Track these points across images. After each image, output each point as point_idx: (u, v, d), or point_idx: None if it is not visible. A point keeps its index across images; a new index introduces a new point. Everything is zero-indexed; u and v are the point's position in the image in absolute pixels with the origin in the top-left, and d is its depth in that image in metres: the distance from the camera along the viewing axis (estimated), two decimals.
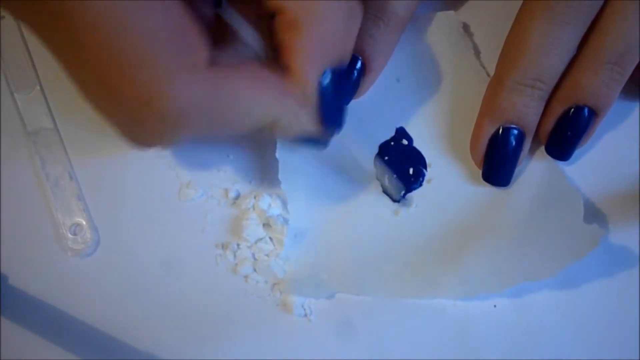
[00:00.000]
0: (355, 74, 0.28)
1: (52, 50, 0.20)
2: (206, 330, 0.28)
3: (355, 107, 0.29)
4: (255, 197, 0.29)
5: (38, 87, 0.31)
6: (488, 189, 0.29)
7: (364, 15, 0.28)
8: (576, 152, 0.28)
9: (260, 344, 0.28)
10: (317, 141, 0.26)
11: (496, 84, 0.28)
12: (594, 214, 0.29)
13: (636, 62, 0.27)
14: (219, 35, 0.24)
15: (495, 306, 0.28)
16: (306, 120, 0.24)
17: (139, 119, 0.20)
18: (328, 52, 0.23)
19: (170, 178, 0.30)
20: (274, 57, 0.23)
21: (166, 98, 0.20)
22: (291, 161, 0.28)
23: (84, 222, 0.29)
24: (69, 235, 0.29)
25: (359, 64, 0.28)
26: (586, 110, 0.27)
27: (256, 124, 0.23)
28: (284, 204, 0.29)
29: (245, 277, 0.28)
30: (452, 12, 0.31)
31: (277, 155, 0.28)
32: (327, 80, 0.24)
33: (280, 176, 0.28)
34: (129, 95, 0.20)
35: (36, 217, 0.29)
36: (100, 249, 0.29)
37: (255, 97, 0.22)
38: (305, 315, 0.28)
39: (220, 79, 0.21)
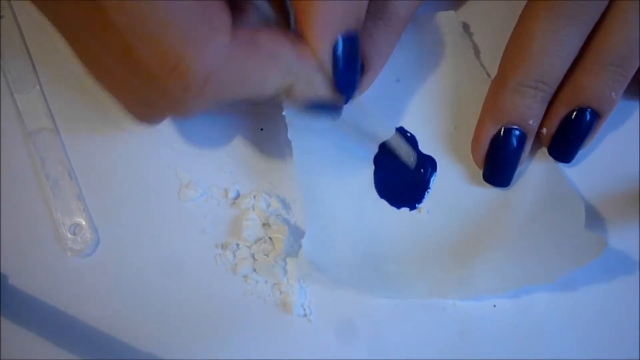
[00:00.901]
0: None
1: (68, 30, 0.21)
2: (206, 331, 0.28)
3: (355, 107, 0.29)
4: (254, 197, 0.29)
5: (38, 87, 0.31)
6: (490, 191, 0.29)
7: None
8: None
9: (260, 344, 0.28)
10: (331, 109, 0.26)
11: (498, 85, 0.28)
12: (593, 215, 0.29)
13: (638, 64, 0.27)
14: (235, 4, 0.24)
15: (494, 306, 0.28)
16: (320, 85, 0.24)
17: (165, 85, 0.21)
18: (341, 18, 0.23)
19: (170, 178, 0.30)
20: (286, 25, 0.24)
21: (193, 62, 0.20)
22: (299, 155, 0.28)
23: (84, 222, 0.29)
24: (69, 235, 0.29)
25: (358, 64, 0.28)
26: (589, 112, 0.27)
27: (275, 89, 0.23)
28: (284, 203, 0.29)
29: (245, 277, 0.28)
30: (452, 12, 0.31)
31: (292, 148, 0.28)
32: (340, 46, 0.24)
33: (295, 168, 0.28)
34: (155, 63, 0.20)
35: (36, 217, 0.29)
36: (100, 248, 0.29)
37: (275, 61, 0.22)
38: (305, 315, 0.28)
39: (243, 44, 0.22)
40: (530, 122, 0.27)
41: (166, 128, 0.30)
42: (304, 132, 0.28)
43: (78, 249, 0.29)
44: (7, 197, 0.30)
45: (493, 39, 0.29)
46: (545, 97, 0.27)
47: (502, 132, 0.28)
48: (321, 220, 0.28)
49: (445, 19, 0.31)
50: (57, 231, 0.29)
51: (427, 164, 0.30)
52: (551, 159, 0.29)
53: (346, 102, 0.26)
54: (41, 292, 0.28)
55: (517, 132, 0.28)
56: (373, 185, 0.29)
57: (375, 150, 0.30)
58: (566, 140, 0.28)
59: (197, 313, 0.28)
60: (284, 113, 0.27)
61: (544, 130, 0.28)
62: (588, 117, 0.27)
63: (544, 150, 0.29)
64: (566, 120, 0.28)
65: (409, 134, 0.30)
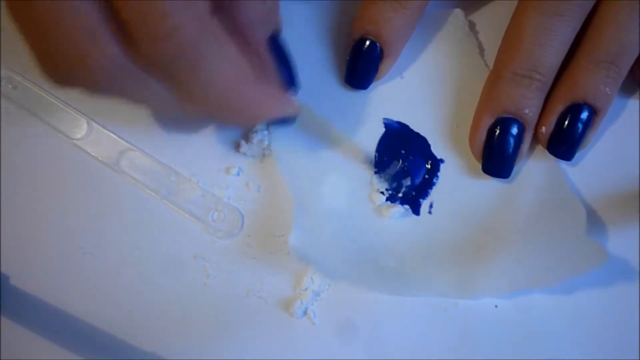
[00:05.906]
0: (375, 59, 0.28)
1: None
2: (208, 331, 0.28)
3: (358, 102, 0.29)
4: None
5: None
6: (491, 191, 0.29)
7: None
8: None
9: (261, 344, 0.28)
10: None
11: (493, 77, 0.28)
12: (593, 216, 0.29)
13: (632, 61, 0.27)
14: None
15: (496, 306, 0.28)
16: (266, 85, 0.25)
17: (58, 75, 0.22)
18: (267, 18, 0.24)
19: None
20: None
21: (80, 69, 0.21)
22: (290, 154, 0.29)
23: None
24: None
25: (377, 49, 0.28)
26: (585, 108, 0.27)
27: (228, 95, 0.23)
28: None
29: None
30: (458, 10, 0.31)
31: (274, 155, 0.28)
32: (273, 41, 0.25)
33: (280, 172, 0.28)
34: (59, 57, 0.21)
35: (36, 216, 0.29)
36: (107, 247, 0.29)
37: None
38: (307, 316, 0.28)
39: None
40: (527, 111, 0.27)
41: (166, 129, 0.30)
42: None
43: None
44: (6, 196, 0.29)
45: (498, 38, 0.29)
46: (541, 88, 0.27)
47: (498, 122, 0.28)
48: (311, 214, 0.28)
49: (452, 17, 0.30)
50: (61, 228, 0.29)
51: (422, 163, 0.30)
52: (553, 161, 0.29)
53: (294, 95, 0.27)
54: (42, 291, 0.28)
55: (514, 122, 0.28)
56: (370, 183, 0.29)
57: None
58: (565, 137, 0.28)
59: (198, 313, 0.28)
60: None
61: (543, 129, 0.28)
62: (585, 112, 0.27)
63: (546, 151, 0.29)
64: (563, 117, 0.28)
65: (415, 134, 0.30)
